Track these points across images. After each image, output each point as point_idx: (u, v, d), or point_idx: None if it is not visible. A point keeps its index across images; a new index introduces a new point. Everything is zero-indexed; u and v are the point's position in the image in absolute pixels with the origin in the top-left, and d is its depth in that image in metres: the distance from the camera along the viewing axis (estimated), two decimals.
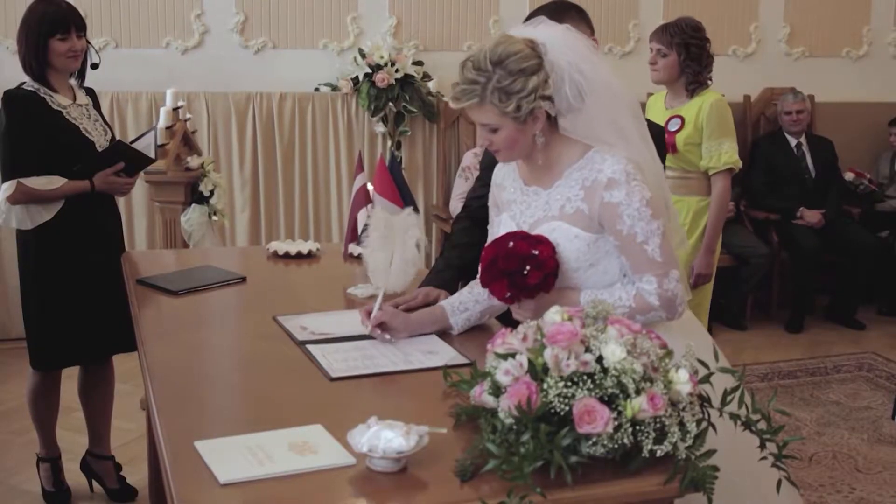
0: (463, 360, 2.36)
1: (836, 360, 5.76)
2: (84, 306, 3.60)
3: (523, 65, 2.21)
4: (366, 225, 2.89)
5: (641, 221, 2.24)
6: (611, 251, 2.31)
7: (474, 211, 2.94)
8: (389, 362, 2.39)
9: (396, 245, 2.63)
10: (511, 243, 2.27)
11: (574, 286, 2.34)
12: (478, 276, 2.42)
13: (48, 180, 3.48)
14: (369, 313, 2.54)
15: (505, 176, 2.52)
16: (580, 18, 2.90)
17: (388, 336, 2.51)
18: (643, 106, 3.09)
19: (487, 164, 2.97)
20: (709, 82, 4.27)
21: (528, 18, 2.75)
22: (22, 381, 3.92)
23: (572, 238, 2.30)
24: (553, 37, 2.29)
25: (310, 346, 2.49)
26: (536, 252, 2.25)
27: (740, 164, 4.30)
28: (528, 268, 2.24)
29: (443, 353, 2.44)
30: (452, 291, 2.71)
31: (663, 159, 2.86)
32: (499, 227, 2.49)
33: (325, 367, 2.34)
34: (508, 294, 2.29)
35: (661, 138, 3.21)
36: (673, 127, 4.23)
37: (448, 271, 2.85)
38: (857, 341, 6.14)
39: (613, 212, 2.25)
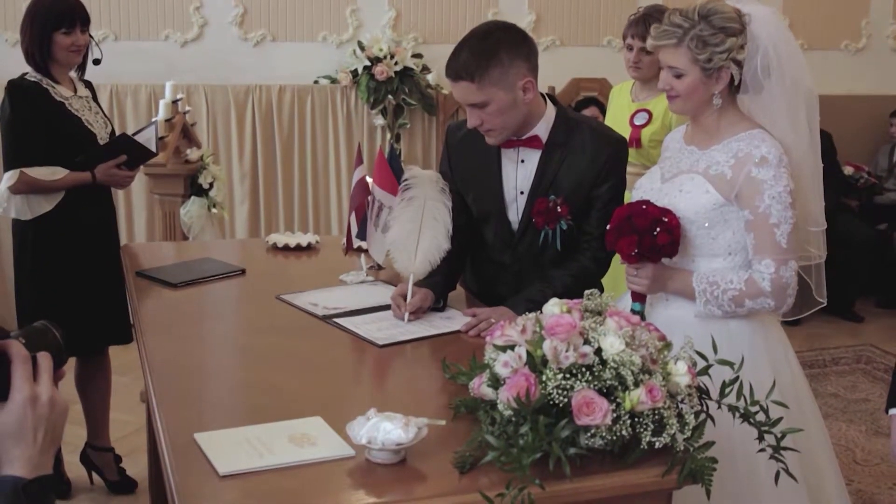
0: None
1: (834, 353, 5.76)
2: (79, 298, 3.59)
3: (726, 24, 2.35)
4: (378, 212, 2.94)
5: (780, 205, 2.35)
6: (730, 222, 2.40)
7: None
8: (420, 329, 2.58)
9: (424, 224, 2.63)
10: (644, 206, 2.38)
11: (685, 249, 2.43)
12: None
13: (51, 171, 3.47)
14: (402, 296, 2.64)
15: (672, 139, 2.65)
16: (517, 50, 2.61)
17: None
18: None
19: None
20: None
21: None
22: None
23: (703, 193, 2.40)
24: (760, 12, 2.41)
25: (338, 320, 2.59)
26: (666, 219, 2.35)
27: None
28: (658, 229, 2.34)
29: (457, 318, 2.65)
30: (437, 293, 2.72)
31: None
32: (644, 177, 2.63)
33: (369, 337, 2.46)
34: (635, 251, 2.36)
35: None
36: (639, 121, 4.01)
37: (437, 276, 2.73)
38: (856, 334, 6.15)
39: (757, 188, 2.35)
